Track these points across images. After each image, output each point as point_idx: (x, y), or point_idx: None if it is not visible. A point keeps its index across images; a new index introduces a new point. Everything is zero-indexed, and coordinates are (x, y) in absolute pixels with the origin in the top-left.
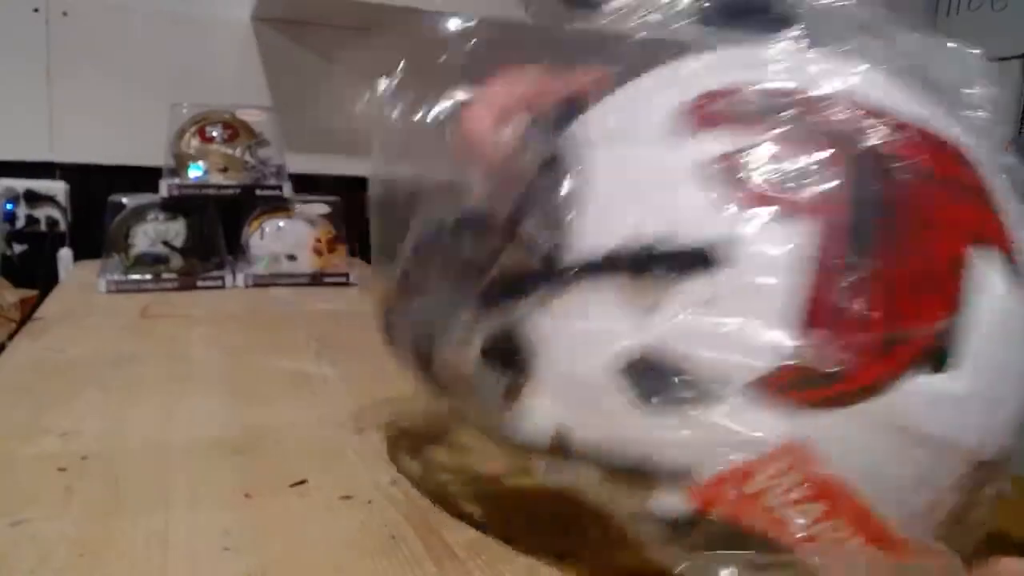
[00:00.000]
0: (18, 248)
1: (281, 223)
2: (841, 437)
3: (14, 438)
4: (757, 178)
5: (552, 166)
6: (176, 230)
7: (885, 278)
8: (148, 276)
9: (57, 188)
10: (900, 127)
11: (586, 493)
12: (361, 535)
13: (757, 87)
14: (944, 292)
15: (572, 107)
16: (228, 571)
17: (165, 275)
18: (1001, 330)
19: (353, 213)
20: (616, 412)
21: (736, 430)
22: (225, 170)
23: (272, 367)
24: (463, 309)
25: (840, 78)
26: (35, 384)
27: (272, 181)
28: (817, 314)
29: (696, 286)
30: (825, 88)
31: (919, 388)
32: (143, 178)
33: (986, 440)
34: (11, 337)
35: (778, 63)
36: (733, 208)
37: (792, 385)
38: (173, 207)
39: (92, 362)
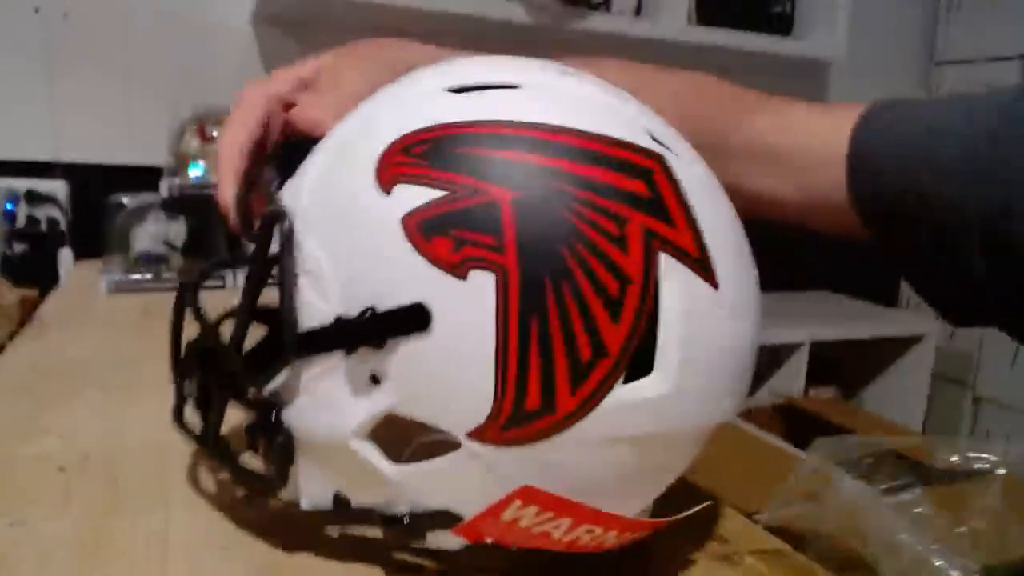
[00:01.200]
0: (19, 248)
1: None
2: (562, 461)
3: (14, 438)
4: (444, 234)
5: (272, 228)
6: (176, 230)
7: (564, 318)
8: (149, 276)
9: (58, 188)
10: (574, 153)
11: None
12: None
13: (444, 129)
14: (630, 310)
15: (299, 149)
16: (228, 571)
17: (166, 275)
18: (690, 323)
19: None
20: (376, 473)
21: (473, 474)
22: None
23: None
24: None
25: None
26: (35, 384)
27: None
28: (511, 359)
29: (408, 349)
30: (499, 113)
31: (622, 398)
32: (143, 178)
33: (699, 422)
34: (11, 337)
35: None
36: (424, 268)
37: (507, 425)
38: (173, 207)
39: (92, 362)
